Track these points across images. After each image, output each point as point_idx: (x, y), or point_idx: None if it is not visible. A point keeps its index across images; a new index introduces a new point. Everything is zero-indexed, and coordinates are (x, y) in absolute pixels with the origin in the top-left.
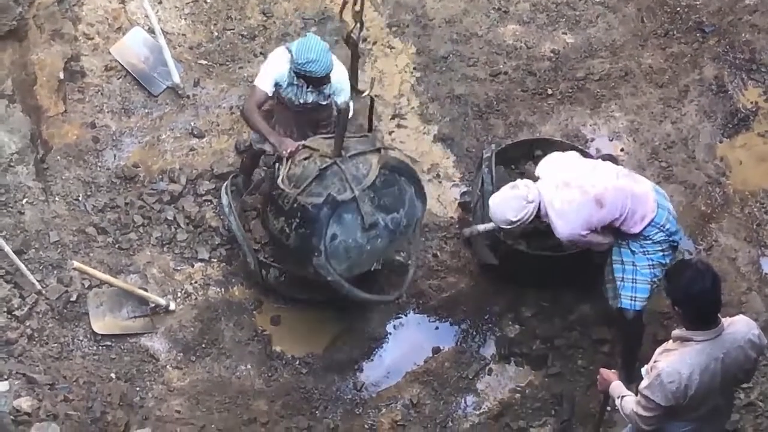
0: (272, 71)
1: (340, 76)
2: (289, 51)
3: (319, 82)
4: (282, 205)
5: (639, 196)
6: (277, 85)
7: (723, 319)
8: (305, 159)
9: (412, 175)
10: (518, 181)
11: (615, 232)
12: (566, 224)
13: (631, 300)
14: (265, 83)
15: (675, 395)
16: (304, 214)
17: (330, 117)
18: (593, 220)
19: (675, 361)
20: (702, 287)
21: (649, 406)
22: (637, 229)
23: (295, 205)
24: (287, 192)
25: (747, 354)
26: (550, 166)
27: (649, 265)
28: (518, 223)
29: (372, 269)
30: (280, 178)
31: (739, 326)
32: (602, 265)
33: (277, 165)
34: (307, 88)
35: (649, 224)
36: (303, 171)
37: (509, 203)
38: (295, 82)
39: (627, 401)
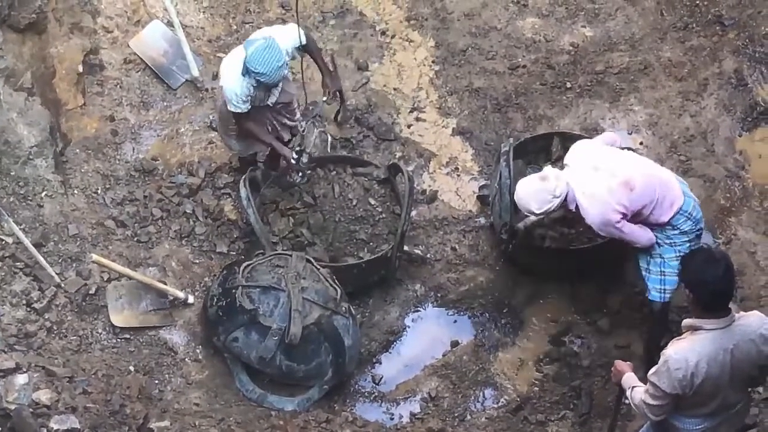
0: (242, 95)
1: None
2: (245, 48)
3: (265, 87)
4: (227, 279)
5: (666, 183)
6: (249, 97)
7: (735, 313)
8: (276, 266)
9: (339, 346)
10: (548, 170)
11: (644, 225)
12: (596, 208)
13: (660, 292)
14: (242, 106)
15: (681, 383)
16: (231, 304)
17: (293, 101)
18: (624, 203)
19: (683, 349)
20: (714, 273)
21: (656, 394)
22: (666, 218)
23: (233, 291)
24: (237, 277)
25: (759, 349)
26: (579, 152)
27: (676, 256)
28: (541, 215)
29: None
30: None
31: (751, 320)
32: (622, 257)
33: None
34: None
35: (677, 212)
36: (262, 274)
37: (535, 196)
38: (255, 84)
39: (637, 391)
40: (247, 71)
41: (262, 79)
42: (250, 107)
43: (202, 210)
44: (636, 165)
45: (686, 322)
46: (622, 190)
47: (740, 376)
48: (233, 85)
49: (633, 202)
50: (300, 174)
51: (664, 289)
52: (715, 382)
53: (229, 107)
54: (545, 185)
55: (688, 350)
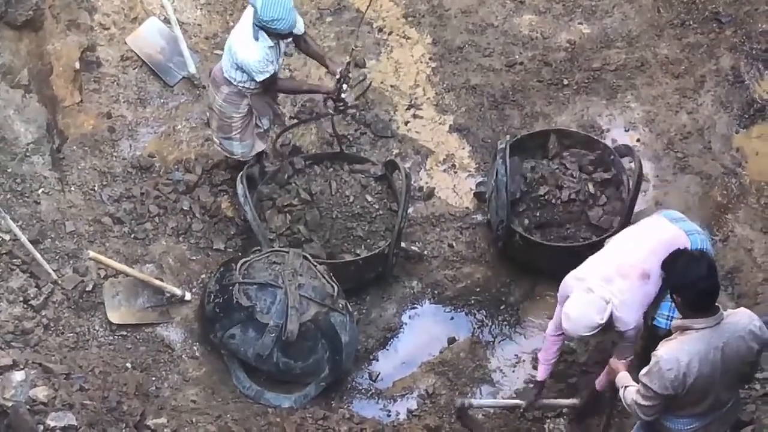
0: (263, 59)
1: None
2: (253, 5)
3: (282, 37)
4: (224, 276)
5: (670, 242)
6: (270, 58)
7: (724, 311)
8: (273, 263)
9: (336, 343)
10: (580, 290)
11: None
12: (631, 313)
13: (667, 319)
14: (270, 68)
15: (673, 383)
16: (228, 301)
17: None
18: (650, 295)
19: (674, 349)
20: (698, 273)
21: (648, 395)
22: None
23: (230, 288)
24: (234, 273)
25: (749, 345)
26: (578, 276)
27: None
28: (602, 325)
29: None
30: None
31: (739, 317)
32: None
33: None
34: (271, 38)
35: None
36: (259, 271)
37: (590, 308)
38: (270, 44)
39: (629, 391)
40: (259, 28)
41: (278, 26)
42: (275, 68)
43: (199, 207)
44: (637, 248)
45: (675, 323)
46: (642, 286)
47: (731, 373)
48: (253, 54)
49: (655, 287)
50: (341, 104)
51: (671, 317)
52: (707, 380)
53: (258, 78)
54: (593, 296)
55: (679, 350)
